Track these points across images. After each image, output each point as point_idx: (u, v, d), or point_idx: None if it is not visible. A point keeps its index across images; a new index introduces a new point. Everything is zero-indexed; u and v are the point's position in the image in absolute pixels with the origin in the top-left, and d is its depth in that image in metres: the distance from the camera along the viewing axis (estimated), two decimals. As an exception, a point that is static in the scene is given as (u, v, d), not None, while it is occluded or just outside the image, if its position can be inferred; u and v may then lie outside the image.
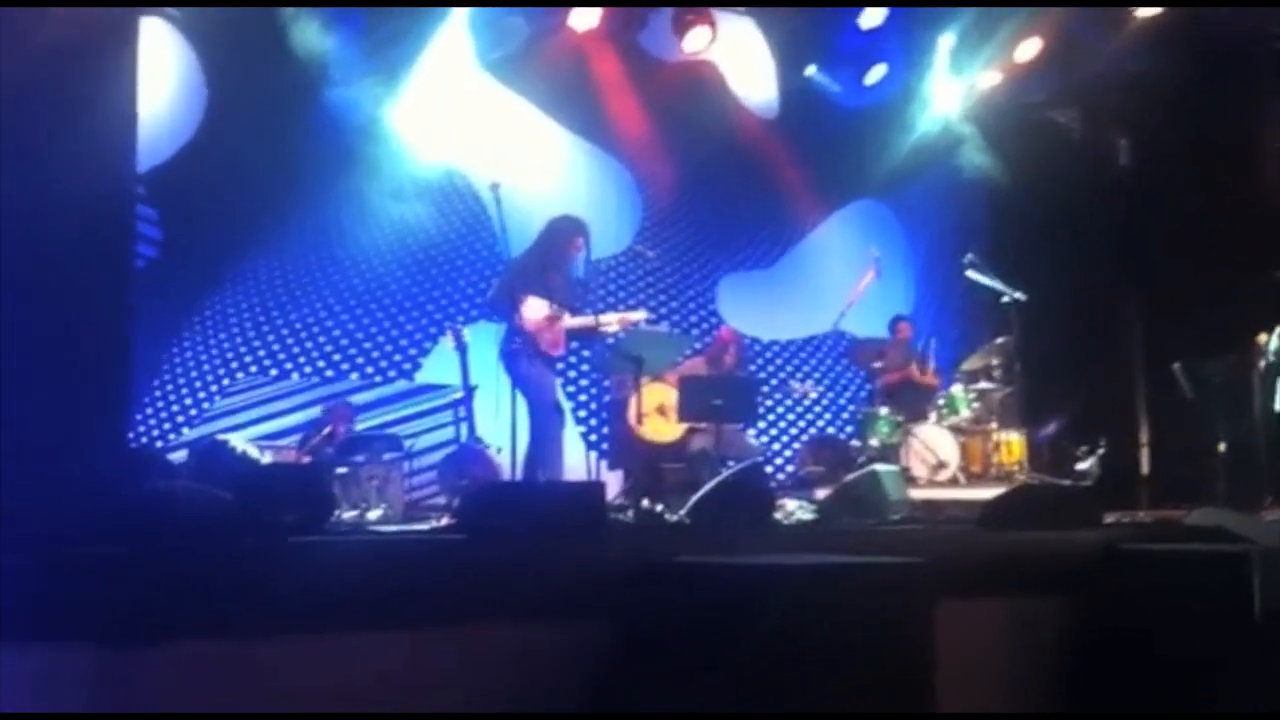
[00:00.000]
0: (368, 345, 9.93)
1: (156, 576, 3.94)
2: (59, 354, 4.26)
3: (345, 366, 9.80)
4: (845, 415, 11.37)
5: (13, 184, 4.19)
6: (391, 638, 4.26)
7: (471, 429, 8.59)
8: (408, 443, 8.99)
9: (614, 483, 8.61)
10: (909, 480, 8.60)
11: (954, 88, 11.19)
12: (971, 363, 10.30)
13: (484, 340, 8.51)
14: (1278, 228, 9.52)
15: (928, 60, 11.00)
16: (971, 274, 10.13)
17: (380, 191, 9.62)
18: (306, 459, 8.62)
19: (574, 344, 8.55)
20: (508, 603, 4.43)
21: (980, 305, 10.69)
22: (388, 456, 8.58)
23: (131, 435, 8.09)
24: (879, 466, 7.23)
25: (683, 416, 8.55)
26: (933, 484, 9.31)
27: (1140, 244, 10.76)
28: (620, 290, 10.50)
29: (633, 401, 8.35)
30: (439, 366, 9.70)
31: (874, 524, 6.38)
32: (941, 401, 9.94)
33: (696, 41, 10.44)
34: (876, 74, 11.05)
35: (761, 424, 10.54)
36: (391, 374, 9.97)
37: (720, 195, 11.27)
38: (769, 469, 10.46)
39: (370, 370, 9.90)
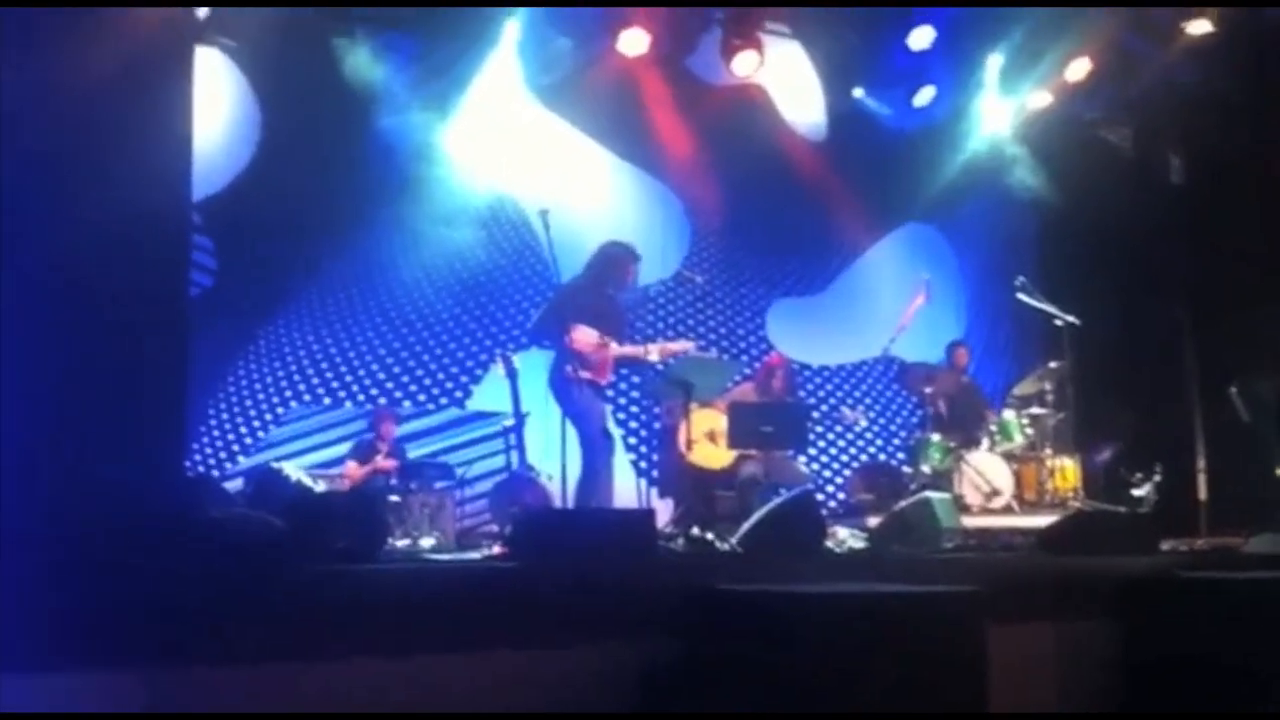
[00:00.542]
0: (419, 373, 9.98)
1: (213, 602, 3.98)
2: (117, 382, 4.30)
3: (398, 394, 9.85)
4: (896, 441, 11.30)
5: (72, 213, 4.25)
6: (444, 662, 4.28)
7: (522, 456, 8.61)
8: (459, 470, 9.04)
9: (664, 511, 8.59)
10: (962, 508, 8.54)
11: (1003, 108, 11.16)
12: (1024, 388, 10.20)
13: (535, 367, 8.53)
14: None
15: (977, 81, 10.98)
16: (1023, 297, 10.05)
17: (431, 218, 9.73)
18: (364, 470, 8.70)
19: (623, 370, 8.55)
20: (560, 629, 4.44)
21: (1032, 329, 10.61)
22: (440, 484, 8.64)
23: (188, 463, 8.18)
24: (931, 494, 7.17)
25: (733, 443, 8.53)
26: (986, 511, 9.20)
27: (1194, 264, 10.64)
28: (669, 315, 10.51)
29: (682, 428, 8.34)
30: (490, 394, 9.73)
31: (926, 552, 6.32)
32: (994, 427, 9.85)
33: (744, 65, 10.44)
34: (925, 96, 11.01)
35: (812, 450, 10.50)
36: (443, 401, 10.02)
37: (769, 219, 11.25)
38: (820, 496, 10.39)
39: (422, 398, 9.96)
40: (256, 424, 9.42)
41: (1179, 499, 9.62)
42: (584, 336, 7.61)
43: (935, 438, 9.62)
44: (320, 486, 8.09)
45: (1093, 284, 10.36)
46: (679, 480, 8.75)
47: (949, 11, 10.14)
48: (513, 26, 9.68)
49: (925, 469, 9.43)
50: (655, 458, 9.53)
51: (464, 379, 10.09)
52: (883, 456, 11.24)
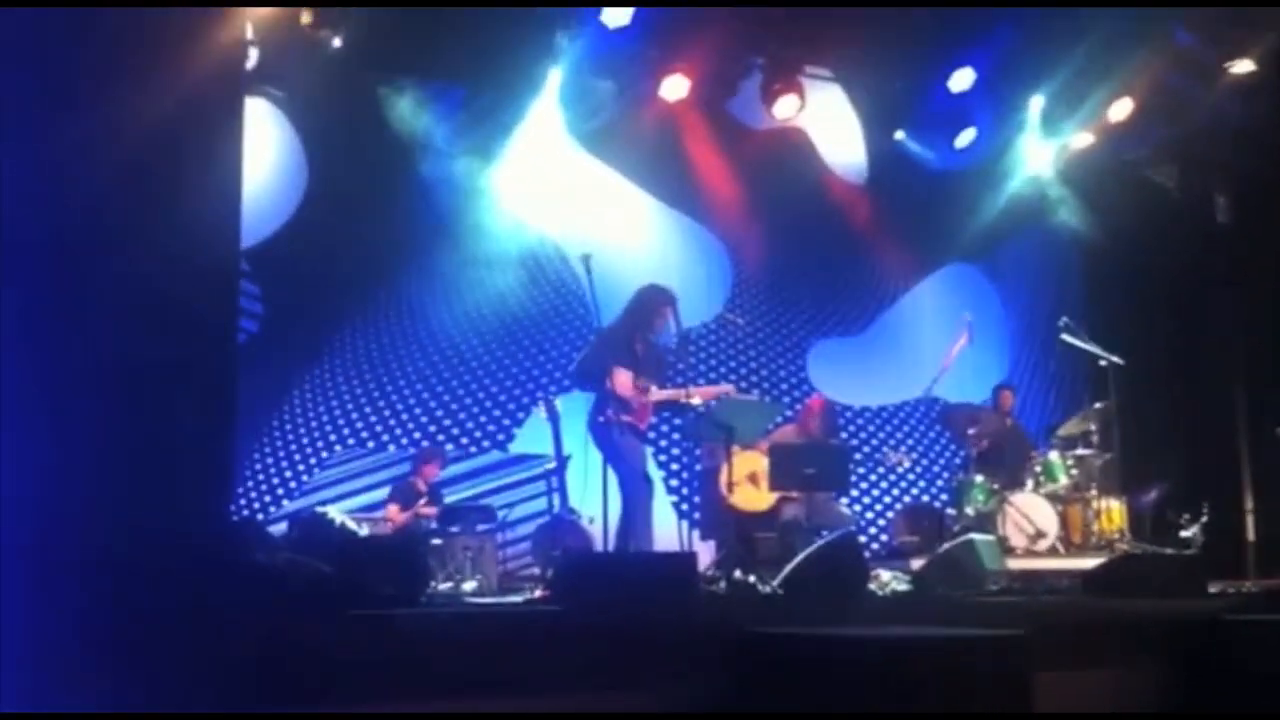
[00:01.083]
0: (462, 416, 10.03)
1: (260, 645, 4.02)
2: (165, 425, 4.37)
3: (440, 438, 9.90)
4: (940, 483, 11.23)
5: (123, 260, 4.34)
6: (487, 706, 4.29)
7: (564, 499, 8.62)
8: (501, 513, 9.07)
9: (705, 553, 8.57)
10: (1006, 550, 8.47)
11: (1046, 149, 11.14)
12: (1069, 428, 10.13)
13: (577, 410, 8.55)
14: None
15: (1018, 122, 10.96)
16: (1067, 338, 10.00)
17: (474, 263, 9.84)
18: (406, 515, 8.75)
19: (664, 413, 8.56)
20: (603, 673, 4.45)
21: (1077, 369, 10.55)
22: (481, 528, 8.66)
23: (234, 507, 8.25)
24: (975, 536, 7.14)
25: (774, 485, 8.52)
26: (1031, 553, 9.11)
27: (1240, 303, 10.56)
28: (710, 358, 10.53)
29: (724, 470, 8.33)
30: (532, 437, 9.76)
31: (971, 595, 6.28)
32: (1039, 468, 9.77)
33: (785, 109, 10.48)
34: (966, 137, 11.00)
35: (854, 492, 10.46)
36: (485, 444, 10.06)
37: (810, 261, 11.27)
38: (862, 538, 10.33)
39: (465, 441, 10.00)
40: (301, 467, 9.49)
41: (1227, 540, 9.50)
42: (623, 380, 7.65)
43: (979, 479, 9.56)
44: (364, 530, 8.15)
45: (1138, 324, 10.30)
46: (720, 523, 8.72)
47: (989, 53, 10.13)
48: (555, 74, 9.78)
49: (969, 511, 9.37)
50: (696, 500, 9.52)
51: (506, 422, 10.13)
52: (926, 498, 11.16)
